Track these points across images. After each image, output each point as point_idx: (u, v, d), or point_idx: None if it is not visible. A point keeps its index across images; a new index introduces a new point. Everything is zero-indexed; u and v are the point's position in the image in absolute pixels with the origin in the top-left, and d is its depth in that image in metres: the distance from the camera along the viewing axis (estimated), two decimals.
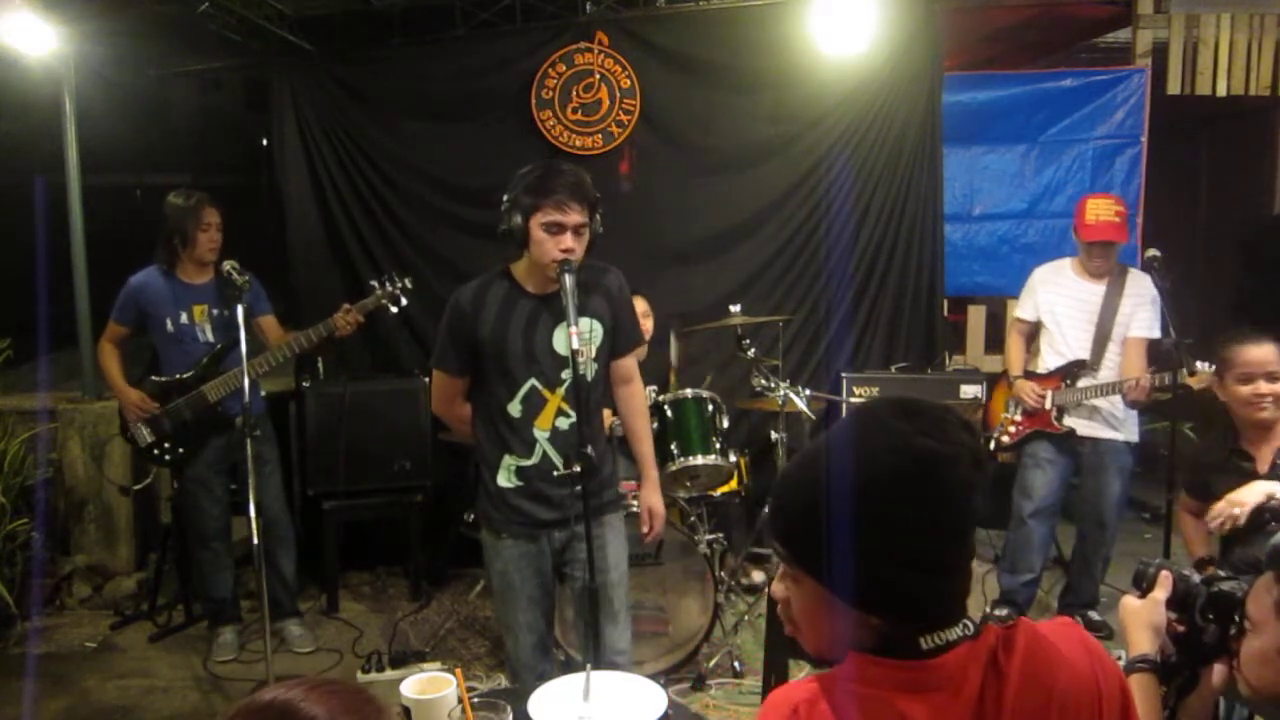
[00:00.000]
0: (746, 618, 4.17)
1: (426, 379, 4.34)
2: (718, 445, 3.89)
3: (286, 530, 4.19)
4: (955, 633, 1.08)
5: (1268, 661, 1.45)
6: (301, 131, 4.78)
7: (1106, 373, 3.92)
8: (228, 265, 3.66)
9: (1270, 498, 2.47)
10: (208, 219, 3.90)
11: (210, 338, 3.95)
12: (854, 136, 4.72)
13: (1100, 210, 3.85)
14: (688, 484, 3.99)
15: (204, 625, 4.23)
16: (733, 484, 4.20)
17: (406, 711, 1.85)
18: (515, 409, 2.64)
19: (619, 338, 2.76)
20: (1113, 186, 4.95)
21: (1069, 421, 3.97)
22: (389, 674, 3.76)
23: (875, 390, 4.51)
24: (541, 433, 2.65)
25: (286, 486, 4.39)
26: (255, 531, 3.25)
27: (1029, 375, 4.08)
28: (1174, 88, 5.11)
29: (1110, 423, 3.96)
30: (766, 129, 4.78)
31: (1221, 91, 5.10)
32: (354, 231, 4.82)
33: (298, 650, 4.11)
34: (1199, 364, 3.50)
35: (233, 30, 4.53)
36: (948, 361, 4.98)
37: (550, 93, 4.71)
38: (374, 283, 3.97)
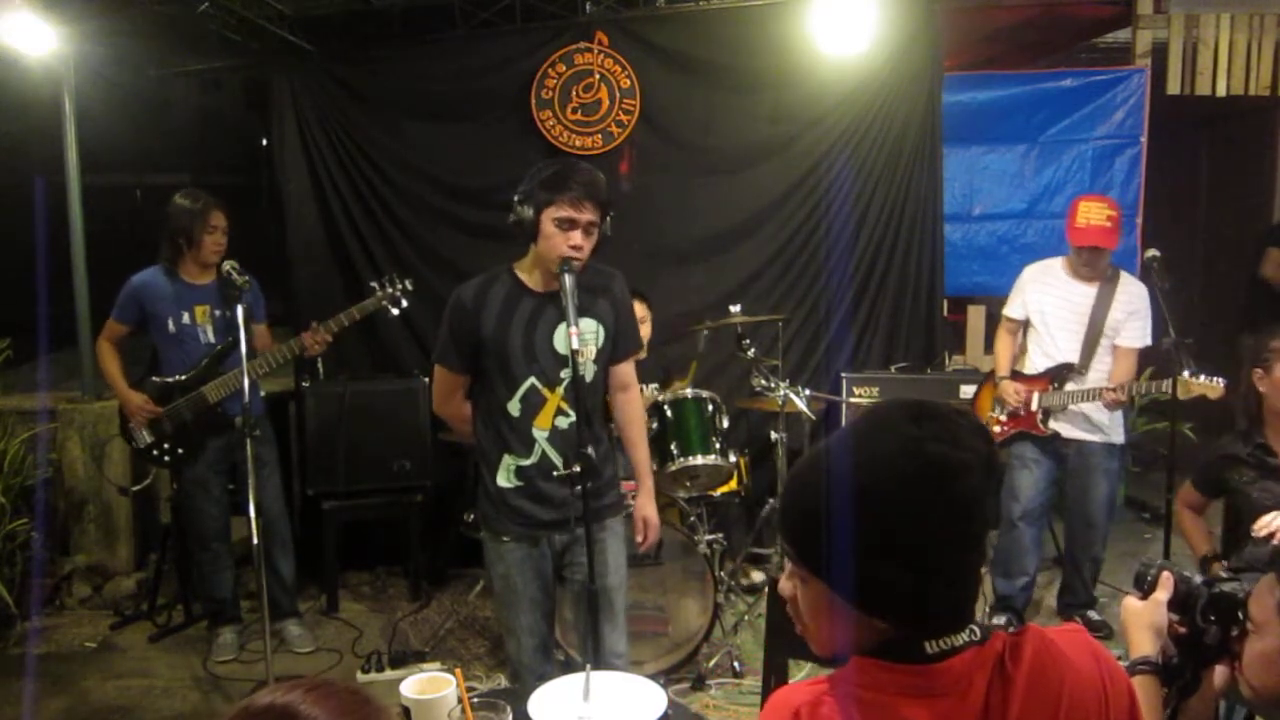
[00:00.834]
0: (746, 618, 4.17)
1: (426, 379, 4.34)
2: (717, 445, 3.89)
3: (285, 531, 4.19)
4: (962, 638, 1.08)
5: (1270, 663, 1.45)
6: (301, 131, 4.78)
7: (1095, 377, 3.87)
8: (227, 265, 3.66)
9: None
10: (214, 221, 3.89)
11: (211, 338, 3.95)
12: (854, 136, 4.72)
13: (1091, 214, 3.78)
14: (687, 484, 3.99)
15: (204, 625, 4.23)
16: (732, 484, 4.20)
17: (406, 711, 1.85)
18: (515, 408, 2.63)
19: (619, 343, 2.76)
20: (1112, 187, 4.95)
21: (1053, 424, 3.95)
22: (389, 674, 3.76)
23: (875, 390, 4.51)
24: (540, 432, 2.65)
25: (286, 487, 4.39)
26: (255, 532, 3.25)
27: (1015, 376, 4.05)
28: (1174, 88, 5.11)
29: (1095, 425, 3.93)
30: (766, 129, 4.78)
31: (1221, 91, 5.10)
32: (354, 231, 4.82)
33: (297, 650, 4.11)
34: (1202, 377, 3.48)
35: (233, 30, 4.52)
36: (947, 361, 4.97)
37: (550, 93, 4.71)
38: (374, 284, 3.97)
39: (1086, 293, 3.90)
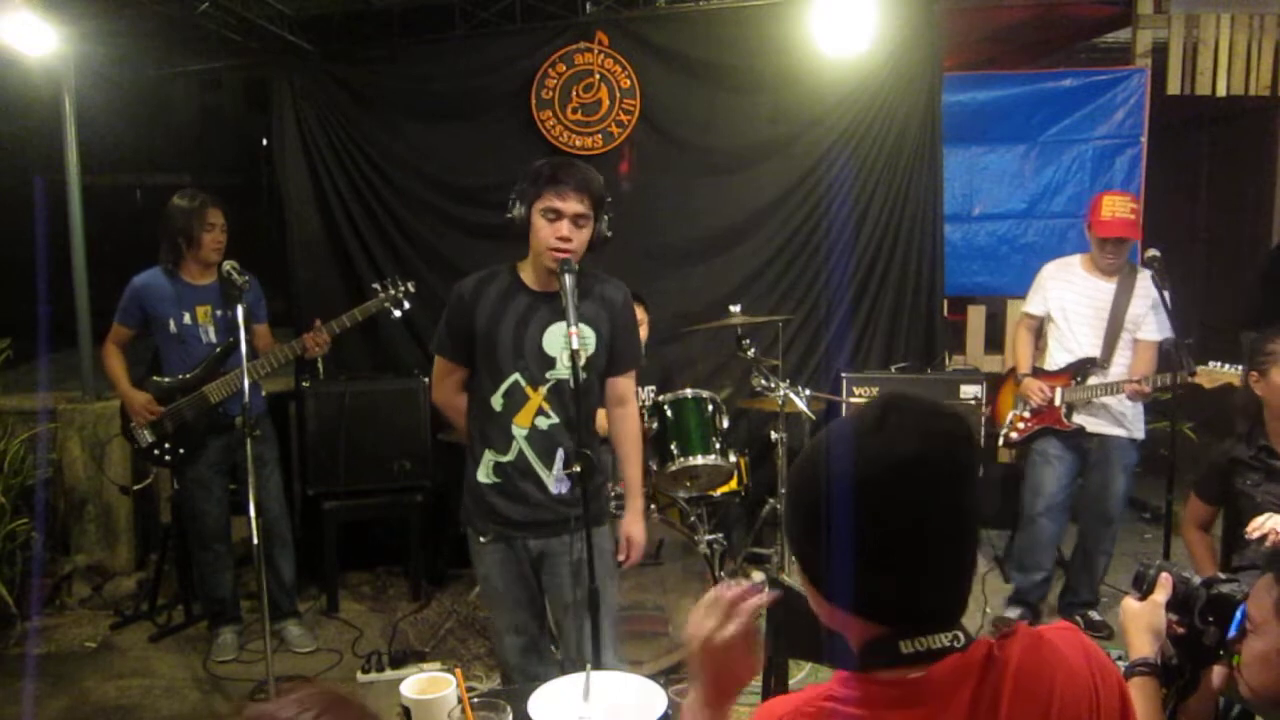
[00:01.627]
0: None
1: (426, 379, 4.33)
2: (718, 445, 3.89)
3: (285, 531, 4.19)
4: (941, 640, 1.07)
5: (1268, 663, 1.45)
6: (301, 131, 4.77)
7: (1116, 371, 3.91)
8: (228, 265, 3.66)
9: None
10: (212, 219, 3.90)
11: (213, 339, 3.94)
12: (854, 136, 4.72)
13: (1117, 207, 3.85)
14: (688, 484, 3.99)
15: (204, 625, 4.23)
16: (733, 484, 4.20)
17: (406, 711, 1.85)
18: (498, 402, 2.64)
19: (615, 356, 2.74)
20: (1112, 187, 4.95)
21: (1077, 419, 3.97)
22: (389, 674, 3.76)
23: (875, 390, 4.50)
24: (520, 430, 2.65)
25: (286, 487, 4.39)
26: (255, 532, 3.25)
27: (1037, 373, 4.07)
28: (1174, 88, 5.11)
29: (1118, 419, 3.96)
30: (766, 129, 4.78)
31: (1221, 91, 5.10)
32: (354, 231, 4.82)
33: (298, 650, 4.11)
34: (1212, 363, 3.50)
35: (233, 30, 4.52)
36: (947, 361, 4.98)
37: (550, 93, 4.71)
38: (376, 286, 3.98)
39: (1106, 288, 3.94)
